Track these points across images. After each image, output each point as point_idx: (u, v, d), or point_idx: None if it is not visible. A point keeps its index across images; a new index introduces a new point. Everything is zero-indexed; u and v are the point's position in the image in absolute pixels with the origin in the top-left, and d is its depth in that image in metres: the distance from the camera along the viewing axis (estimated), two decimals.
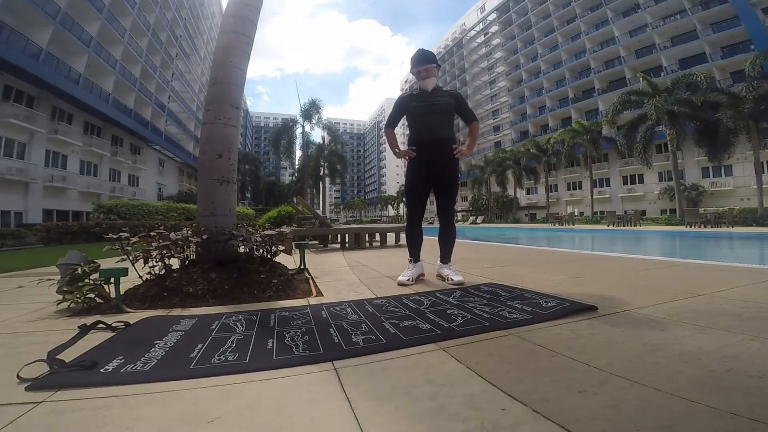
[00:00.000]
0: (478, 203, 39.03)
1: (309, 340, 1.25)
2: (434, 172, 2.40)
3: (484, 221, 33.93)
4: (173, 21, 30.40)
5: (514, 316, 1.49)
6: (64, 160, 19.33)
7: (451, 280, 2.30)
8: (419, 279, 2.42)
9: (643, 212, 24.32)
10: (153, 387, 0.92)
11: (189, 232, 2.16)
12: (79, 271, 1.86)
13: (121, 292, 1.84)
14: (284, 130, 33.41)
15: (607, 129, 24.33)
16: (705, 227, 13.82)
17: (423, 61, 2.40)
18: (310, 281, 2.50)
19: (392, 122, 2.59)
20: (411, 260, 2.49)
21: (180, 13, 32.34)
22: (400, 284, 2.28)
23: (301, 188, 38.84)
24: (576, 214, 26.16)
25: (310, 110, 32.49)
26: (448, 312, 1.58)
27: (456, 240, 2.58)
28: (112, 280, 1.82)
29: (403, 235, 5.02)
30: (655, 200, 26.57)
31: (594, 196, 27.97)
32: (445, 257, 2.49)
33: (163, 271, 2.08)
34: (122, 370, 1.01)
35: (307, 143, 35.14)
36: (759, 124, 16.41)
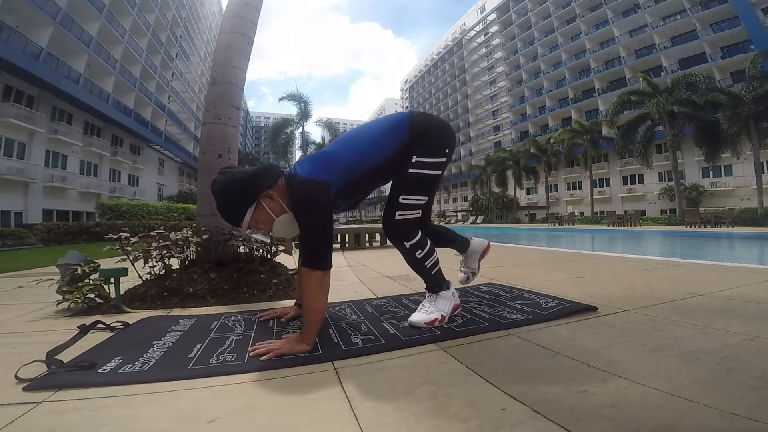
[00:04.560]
0: (478, 203, 39.01)
1: None
2: None
3: (484, 221, 33.93)
4: (173, 21, 30.39)
5: (514, 316, 1.48)
6: (64, 160, 19.30)
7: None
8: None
9: (643, 212, 24.30)
10: (153, 387, 0.92)
11: (189, 232, 2.16)
12: (79, 271, 1.86)
13: (121, 292, 1.84)
14: (283, 127, 33.48)
15: (607, 129, 24.29)
16: (705, 227, 13.80)
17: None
18: None
19: None
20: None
21: (180, 14, 32.33)
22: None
23: None
24: (576, 214, 26.13)
25: (302, 107, 32.73)
26: None
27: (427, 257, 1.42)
28: (112, 280, 1.82)
29: None
30: (655, 200, 26.55)
31: (594, 196, 27.94)
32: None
33: (163, 271, 2.08)
34: (120, 371, 1.01)
35: (306, 143, 35.16)
36: (759, 124, 16.40)
